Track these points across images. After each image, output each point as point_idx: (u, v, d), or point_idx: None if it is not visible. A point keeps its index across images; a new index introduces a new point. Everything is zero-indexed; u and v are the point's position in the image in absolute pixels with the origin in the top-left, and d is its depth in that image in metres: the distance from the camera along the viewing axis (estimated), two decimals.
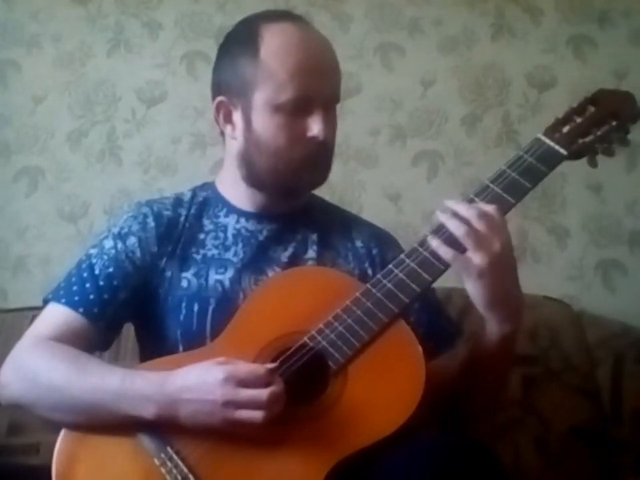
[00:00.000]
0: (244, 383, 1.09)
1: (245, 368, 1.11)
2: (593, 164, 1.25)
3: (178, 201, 1.39)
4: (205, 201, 1.39)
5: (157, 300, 1.31)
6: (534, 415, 1.71)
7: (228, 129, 1.34)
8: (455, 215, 1.15)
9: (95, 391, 1.14)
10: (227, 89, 1.32)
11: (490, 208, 1.15)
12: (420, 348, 1.15)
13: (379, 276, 1.19)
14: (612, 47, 2.06)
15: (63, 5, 2.08)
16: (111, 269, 1.29)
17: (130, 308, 1.31)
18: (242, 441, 1.10)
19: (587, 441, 1.70)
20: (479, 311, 1.16)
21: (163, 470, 1.09)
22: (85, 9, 2.08)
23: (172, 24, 2.09)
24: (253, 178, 1.33)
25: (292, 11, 1.40)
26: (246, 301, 1.25)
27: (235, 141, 1.33)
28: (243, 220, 1.36)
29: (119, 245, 1.31)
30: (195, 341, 1.24)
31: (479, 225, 1.12)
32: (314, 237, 1.36)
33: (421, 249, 1.18)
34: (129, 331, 1.38)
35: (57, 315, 1.26)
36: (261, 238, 1.35)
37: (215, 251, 1.33)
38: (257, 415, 1.07)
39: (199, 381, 1.10)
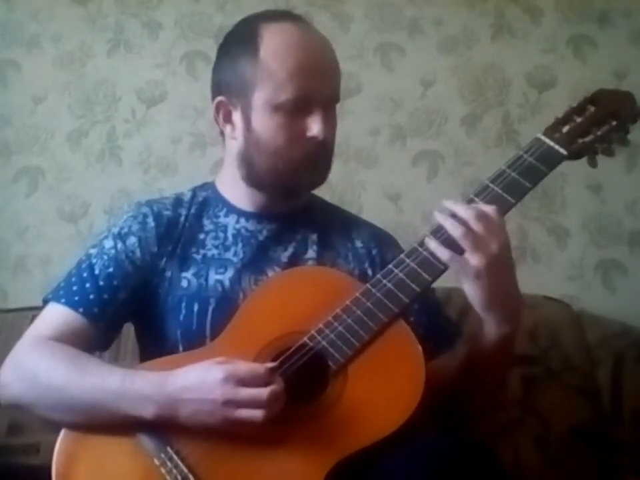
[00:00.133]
0: (244, 382, 1.09)
1: (245, 367, 1.11)
2: (593, 164, 1.25)
3: (178, 201, 1.39)
4: (205, 200, 1.39)
5: (156, 300, 1.31)
6: (534, 415, 1.71)
7: (228, 128, 1.34)
8: (453, 215, 1.15)
9: (95, 390, 1.14)
10: (227, 89, 1.32)
11: (488, 208, 1.15)
12: (420, 348, 1.15)
13: (378, 276, 1.19)
14: (612, 47, 2.06)
15: (63, 4, 2.08)
16: (110, 269, 1.29)
17: (130, 308, 1.31)
18: (242, 441, 1.10)
19: (587, 440, 1.70)
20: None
21: (163, 470, 1.09)
22: (84, 9, 2.08)
23: (172, 24, 2.09)
24: (252, 178, 1.33)
25: (292, 10, 1.40)
26: (246, 301, 1.25)
27: (234, 141, 1.33)
28: (242, 220, 1.36)
29: (119, 245, 1.31)
30: (194, 341, 1.24)
31: (476, 225, 1.12)
32: (314, 237, 1.37)
33: (420, 249, 1.18)
34: (129, 331, 1.38)
35: (56, 315, 1.26)
36: (260, 238, 1.35)
37: (214, 251, 1.33)
38: (257, 413, 1.07)
39: (199, 380, 1.10)
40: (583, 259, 2.01)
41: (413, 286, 1.17)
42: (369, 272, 1.34)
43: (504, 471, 1.05)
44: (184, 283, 1.30)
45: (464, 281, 1.14)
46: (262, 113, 1.27)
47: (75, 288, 1.28)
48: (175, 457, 1.10)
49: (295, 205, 1.38)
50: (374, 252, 1.38)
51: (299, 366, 1.15)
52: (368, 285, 1.19)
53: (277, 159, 1.28)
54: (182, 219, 1.36)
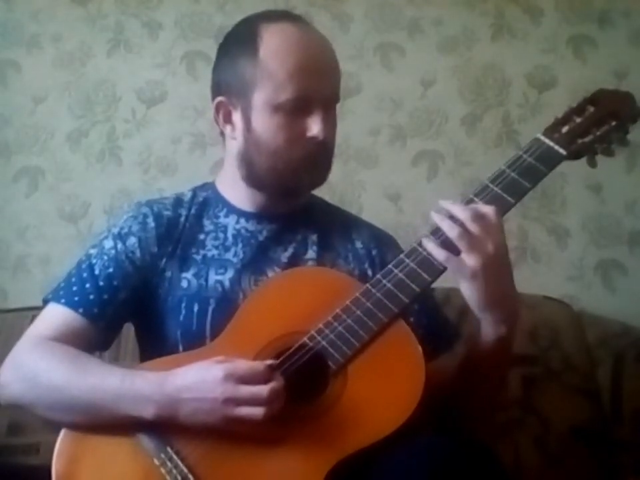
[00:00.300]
0: (244, 379, 1.09)
1: (244, 365, 1.11)
2: (593, 164, 1.25)
3: (178, 201, 1.39)
4: (205, 201, 1.39)
5: (156, 300, 1.31)
6: (534, 415, 1.71)
7: (228, 129, 1.34)
8: (450, 216, 1.15)
9: (95, 391, 1.14)
10: (227, 89, 1.32)
11: (487, 209, 1.15)
12: (420, 348, 1.15)
13: (378, 276, 1.19)
14: (612, 47, 2.06)
15: (63, 4, 2.08)
16: (110, 269, 1.29)
17: (130, 308, 1.31)
18: (242, 441, 1.10)
19: (587, 440, 1.70)
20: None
21: (163, 470, 1.09)
22: (84, 9, 2.08)
23: (172, 24, 2.09)
24: (252, 178, 1.33)
25: (292, 10, 1.41)
26: (246, 301, 1.25)
27: (234, 141, 1.33)
28: (242, 220, 1.36)
29: (119, 245, 1.31)
30: (194, 341, 1.24)
31: (472, 226, 1.12)
32: (314, 237, 1.36)
33: (420, 249, 1.18)
34: (129, 331, 1.38)
35: (56, 315, 1.26)
36: (260, 238, 1.35)
37: (214, 252, 1.33)
38: (257, 411, 1.07)
39: (199, 379, 1.10)
40: (582, 258, 2.01)
41: (413, 286, 1.17)
42: (369, 273, 1.34)
43: (504, 471, 1.05)
44: (184, 284, 1.30)
45: (461, 282, 1.14)
46: (262, 113, 1.27)
47: (74, 288, 1.28)
48: (174, 456, 1.10)
49: (295, 205, 1.38)
50: (374, 252, 1.38)
51: (299, 366, 1.15)
52: (368, 285, 1.19)
53: (276, 159, 1.28)
54: (182, 219, 1.36)
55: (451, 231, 1.13)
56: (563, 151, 1.22)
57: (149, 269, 1.31)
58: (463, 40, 2.08)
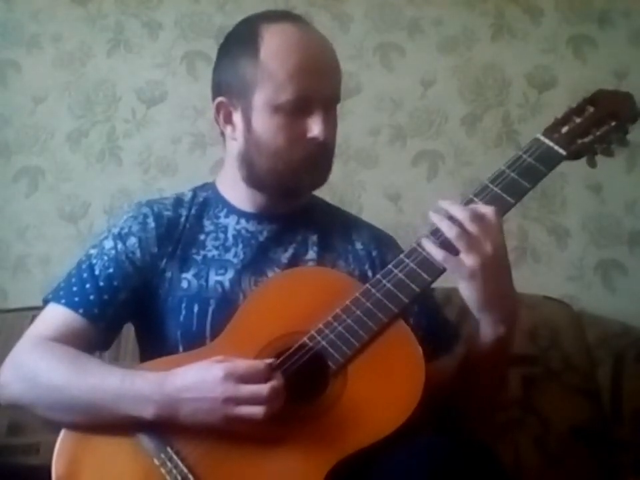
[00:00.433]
0: (244, 378, 1.09)
1: (244, 364, 1.11)
2: (592, 164, 1.25)
3: (178, 201, 1.39)
4: (206, 201, 1.39)
5: (157, 300, 1.31)
6: (534, 415, 1.71)
7: (228, 129, 1.34)
8: (449, 216, 1.15)
9: (95, 391, 1.14)
10: (227, 90, 1.31)
11: (485, 209, 1.15)
12: (420, 348, 1.15)
13: (378, 276, 1.19)
14: (612, 47, 2.06)
15: (63, 4, 2.08)
16: (111, 270, 1.29)
17: (130, 308, 1.31)
18: (242, 441, 1.10)
19: (587, 440, 1.70)
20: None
21: (163, 470, 1.09)
22: (84, 9, 2.08)
23: (172, 24, 2.09)
24: (253, 179, 1.33)
25: (292, 10, 1.41)
26: (246, 301, 1.25)
27: (235, 142, 1.33)
28: (243, 221, 1.36)
29: (119, 246, 1.31)
30: (195, 342, 1.24)
31: (471, 226, 1.12)
32: (314, 238, 1.36)
33: (420, 249, 1.18)
34: (129, 331, 1.38)
35: (56, 316, 1.26)
36: (261, 239, 1.35)
37: (215, 252, 1.33)
38: (257, 410, 1.07)
39: (199, 379, 1.11)
40: (582, 258, 2.01)
41: (413, 286, 1.17)
42: (369, 273, 1.34)
43: (504, 471, 1.05)
44: (184, 284, 1.30)
45: (459, 282, 1.14)
46: (262, 114, 1.27)
47: (75, 288, 1.28)
48: (174, 457, 1.10)
49: (296, 205, 1.38)
50: (374, 253, 1.38)
51: (299, 366, 1.15)
52: (368, 285, 1.19)
53: (277, 159, 1.28)
54: (182, 219, 1.36)
55: (450, 231, 1.13)
56: (562, 151, 1.22)
57: (149, 270, 1.31)
58: (463, 40, 2.08)
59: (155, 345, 1.30)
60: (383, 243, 1.41)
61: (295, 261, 1.33)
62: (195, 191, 1.42)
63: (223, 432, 1.10)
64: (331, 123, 1.30)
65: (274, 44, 1.27)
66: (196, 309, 1.28)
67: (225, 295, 1.29)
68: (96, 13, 2.08)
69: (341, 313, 1.17)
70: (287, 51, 1.26)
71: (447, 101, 2.06)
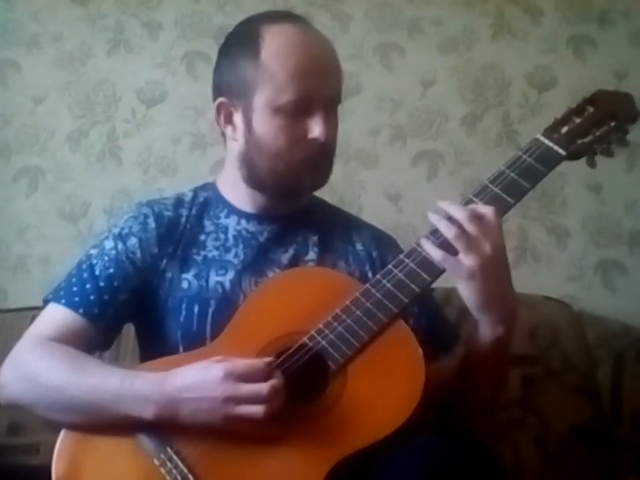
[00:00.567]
0: (243, 377, 1.09)
1: (243, 363, 1.11)
2: (592, 164, 1.25)
3: (179, 202, 1.39)
4: (206, 201, 1.39)
5: (157, 301, 1.31)
6: (534, 415, 1.71)
7: (229, 130, 1.33)
8: (448, 216, 1.15)
9: (95, 391, 1.14)
10: (228, 90, 1.31)
11: (484, 209, 1.15)
12: (419, 348, 1.15)
13: (378, 276, 1.19)
14: (612, 47, 2.06)
15: (63, 4, 2.08)
16: (111, 270, 1.29)
17: (130, 309, 1.31)
18: (242, 441, 1.10)
19: (587, 440, 1.70)
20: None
21: (163, 470, 1.09)
22: (84, 9, 2.08)
23: (172, 24, 2.09)
24: (253, 179, 1.33)
25: (292, 11, 1.41)
26: (246, 301, 1.25)
27: (235, 142, 1.33)
28: (243, 221, 1.36)
29: (120, 246, 1.31)
30: (195, 342, 1.24)
31: (469, 226, 1.12)
32: (315, 238, 1.36)
33: (420, 249, 1.18)
34: (129, 331, 1.38)
35: (56, 316, 1.26)
36: (261, 239, 1.35)
37: (215, 252, 1.33)
38: (257, 409, 1.07)
39: (198, 379, 1.10)
40: (583, 258, 2.01)
41: (413, 286, 1.17)
42: (370, 274, 1.34)
43: (504, 471, 1.05)
44: (184, 284, 1.30)
45: (458, 282, 1.14)
46: (263, 115, 1.27)
47: (75, 289, 1.28)
48: (174, 457, 1.10)
49: (296, 206, 1.37)
50: (374, 254, 1.38)
51: (299, 366, 1.15)
52: (368, 285, 1.19)
53: (277, 160, 1.28)
54: (183, 219, 1.36)
55: (448, 232, 1.13)
56: (562, 152, 1.22)
57: (149, 270, 1.31)
58: (463, 40, 2.08)
59: (155, 345, 1.30)
60: (383, 244, 1.40)
61: (295, 262, 1.33)
62: (196, 191, 1.41)
63: (223, 432, 1.10)
64: (331, 124, 1.30)
65: (274, 45, 1.27)
66: (196, 309, 1.28)
67: (225, 295, 1.29)
68: (96, 12, 2.08)
69: (340, 313, 1.17)
70: (287, 51, 1.26)
71: (446, 100, 2.06)
